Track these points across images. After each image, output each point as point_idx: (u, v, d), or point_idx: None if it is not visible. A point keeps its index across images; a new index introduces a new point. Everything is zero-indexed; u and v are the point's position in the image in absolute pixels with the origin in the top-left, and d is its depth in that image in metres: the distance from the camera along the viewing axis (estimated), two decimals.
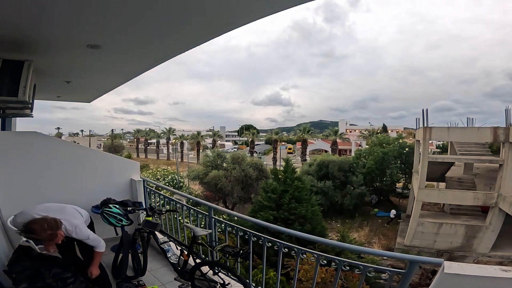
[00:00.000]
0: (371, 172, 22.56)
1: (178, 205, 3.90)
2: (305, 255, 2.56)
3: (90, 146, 34.38)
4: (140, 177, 4.34)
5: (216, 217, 3.44)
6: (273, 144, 39.42)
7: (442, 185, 19.37)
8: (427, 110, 16.40)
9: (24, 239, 2.86)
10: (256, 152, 42.55)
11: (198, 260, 3.08)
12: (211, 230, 3.26)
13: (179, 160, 40.00)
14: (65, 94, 7.03)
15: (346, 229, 16.56)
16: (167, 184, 20.98)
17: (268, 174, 21.22)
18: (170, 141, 50.67)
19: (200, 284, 2.88)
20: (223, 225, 3.30)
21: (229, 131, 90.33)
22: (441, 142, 37.57)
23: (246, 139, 50.23)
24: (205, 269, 2.91)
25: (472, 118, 19.81)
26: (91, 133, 57.28)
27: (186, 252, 3.09)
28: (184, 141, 49.57)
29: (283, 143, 54.32)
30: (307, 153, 37.46)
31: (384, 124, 66.00)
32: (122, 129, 68.48)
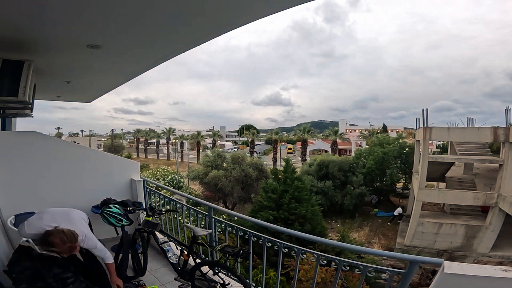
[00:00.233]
0: (371, 172, 22.55)
1: (178, 205, 3.90)
2: (305, 255, 2.56)
3: (90, 146, 34.38)
4: (140, 177, 4.34)
5: (216, 217, 3.44)
6: (273, 144, 39.42)
7: (442, 185, 19.37)
8: (427, 110, 16.42)
9: (24, 239, 2.87)
10: (256, 152, 42.55)
11: (198, 260, 3.08)
12: (211, 230, 3.26)
13: (179, 160, 40.00)
14: (65, 94, 7.03)
15: (346, 229, 16.56)
16: (167, 184, 20.97)
17: (268, 174, 21.22)
18: (170, 141, 50.67)
19: (200, 284, 2.88)
20: (223, 225, 3.30)
21: (229, 131, 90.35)
22: (441, 142, 37.57)
23: (246, 139, 50.23)
24: (205, 269, 2.91)
25: (472, 118, 19.85)
26: (91, 133, 57.33)
27: (186, 252, 3.09)
28: (184, 141, 49.57)
29: (283, 143, 54.31)
30: (307, 153, 37.46)
31: (384, 124, 66.06)
32: (122, 129, 68.55)
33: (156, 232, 3.30)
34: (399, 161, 23.01)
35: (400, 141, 25.09)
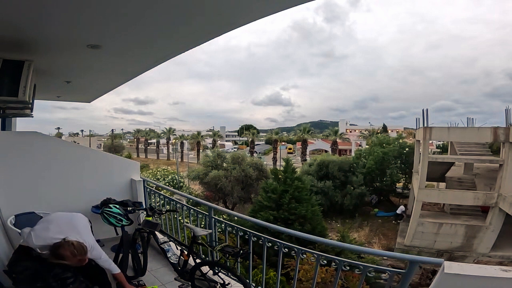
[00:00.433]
0: (371, 172, 22.55)
1: (178, 205, 3.90)
2: (305, 255, 2.56)
3: (90, 146, 34.39)
4: (140, 177, 4.34)
5: (216, 217, 3.44)
6: (273, 144, 39.41)
7: (442, 185, 19.36)
8: (427, 110, 16.41)
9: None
10: (256, 152, 42.54)
11: (198, 260, 3.08)
12: (211, 230, 3.26)
13: (179, 160, 40.00)
14: (65, 94, 7.03)
15: (346, 229, 16.55)
16: (167, 184, 20.97)
17: (268, 174, 21.21)
18: (170, 141, 50.67)
19: (200, 284, 2.88)
20: (223, 225, 3.30)
21: (229, 131, 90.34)
22: (441, 142, 37.56)
23: (246, 139, 50.22)
24: (205, 269, 2.91)
25: (472, 118, 19.84)
26: (91, 133, 57.34)
27: (186, 252, 3.09)
28: (184, 141, 49.57)
29: (283, 143, 54.31)
30: (307, 153, 37.44)
31: (384, 124, 66.05)
32: (122, 129, 68.58)
33: (156, 232, 3.30)
34: (399, 161, 23.01)
35: (400, 141, 25.09)
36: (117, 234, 3.30)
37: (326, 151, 40.16)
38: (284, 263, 7.50)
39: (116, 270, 2.59)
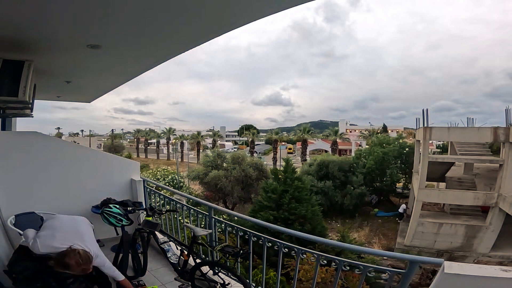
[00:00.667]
0: (371, 172, 22.56)
1: (178, 205, 3.90)
2: (305, 255, 2.56)
3: (90, 146, 34.39)
4: (140, 177, 4.34)
5: (216, 217, 3.44)
6: (273, 144, 39.41)
7: (442, 185, 19.36)
8: (427, 110, 16.41)
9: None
10: (256, 152, 42.55)
11: (198, 260, 3.08)
12: (211, 230, 3.26)
13: (179, 160, 40.00)
14: (65, 94, 7.03)
15: (346, 229, 16.56)
16: (167, 184, 20.97)
17: (268, 174, 21.22)
18: (170, 141, 50.68)
19: (200, 284, 2.89)
20: (223, 225, 3.30)
21: (229, 131, 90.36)
22: (441, 142, 37.56)
23: (246, 139, 50.21)
24: (205, 269, 2.91)
25: (472, 118, 19.82)
26: (91, 133, 57.36)
27: (186, 252, 3.09)
28: (184, 141, 49.58)
29: (283, 143, 54.32)
30: (307, 153, 37.44)
31: (384, 124, 66.04)
32: (122, 129, 68.54)
33: (156, 232, 3.30)
34: (399, 161, 23.02)
35: (400, 141, 25.09)
36: (117, 234, 3.30)
37: (326, 151, 40.16)
38: (284, 263, 7.50)
39: (121, 277, 2.56)
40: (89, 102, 8.44)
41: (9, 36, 2.92)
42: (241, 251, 2.67)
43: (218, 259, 2.85)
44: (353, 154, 32.55)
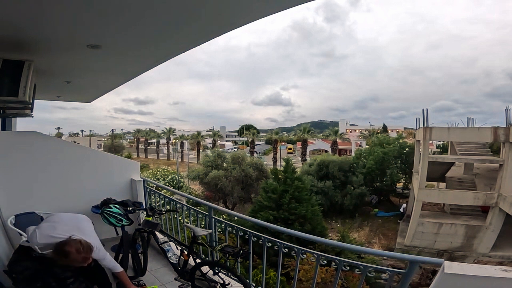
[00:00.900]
0: (371, 172, 22.55)
1: (178, 205, 3.90)
2: (305, 255, 2.56)
3: (90, 146, 34.39)
4: (140, 177, 4.34)
5: (216, 217, 3.44)
6: (273, 144, 39.41)
7: (442, 185, 19.36)
8: (427, 110, 16.40)
9: (25, 239, 2.86)
10: (256, 152, 42.55)
11: (198, 260, 3.08)
12: (211, 230, 3.26)
13: (179, 160, 40.00)
14: (65, 94, 7.03)
15: (346, 229, 16.55)
16: (167, 184, 20.97)
17: (268, 174, 21.21)
18: (170, 141, 50.68)
19: (200, 284, 2.88)
20: (223, 225, 3.30)
21: (229, 131, 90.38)
22: (441, 142, 37.56)
23: (246, 139, 50.21)
24: (205, 269, 2.91)
25: (472, 118, 19.81)
26: (91, 133, 57.41)
27: (186, 252, 3.09)
28: (184, 141, 49.59)
29: (283, 143, 54.32)
30: (307, 153, 37.45)
31: (384, 124, 66.06)
32: (122, 129, 68.58)
33: (156, 232, 3.30)
34: (399, 161, 23.02)
35: (400, 141, 25.09)
36: (117, 234, 3.30)
37: (326, 151, 40.17)
38: (284, 263, 7.50)
39: (120, 269, 2.57)
40: (89, 102, 8.45)
41: (9, 36, 2.92)
42: (241, 251, 2.67)
43: (218, 259, 2.85)
44: (353, 154, 32.55)
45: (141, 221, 3.41)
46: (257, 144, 49.61)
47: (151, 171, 25.85)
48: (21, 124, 6.84)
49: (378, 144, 24.85)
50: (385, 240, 17.74)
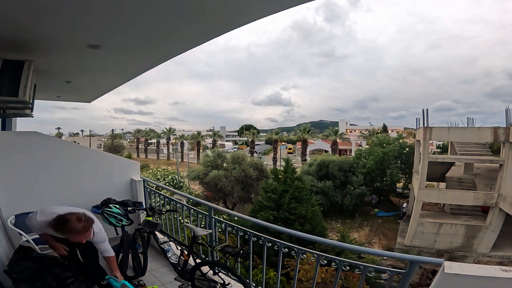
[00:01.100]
0: (371, 172, 22.55)
1: (178, 205, 3.90)
2: (305, 255, 2.56)
3: (90, 146, 34.39)
4: (140, 177, 4.34)
5: (216, 217, 3.44)
6: (273, 144, 39.41)
7: (442, 185, 19.36)
8: (427, 110, 16.41)
9: (25, 239, 2.87)
10: (256, 152, 42.55)
11: (198, 260, 3.08)
12: (211, 230, 3.26)
13: (179, 160, 40.00)
14: (65, 94, 7.03)
15: (346, 229, 16.55)
16: (167, 184, 20.97)
17: (268, 174, 21.21)
18: (170, 141, 50.68)
19: (200, 284, 2.88)
20: (223, 225, 3.30)
21: (229, 131, 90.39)
22: (441, 142, 37.57)
23: (246, 139, 50.20)
24: (205, 269, 2.91)
25: (472, 118, 19.79)
26: (91, 133, 57.44)
27: (186, 252, 3.09)
28: (184, 141, 49.59)
29: (283, 143, 54.33)
30: (307, 153, 37.43)
31: (384, 124, 66.07)
32: (122, 129, 68.67)
33: (156, 232, 3.30)
34: (399, 161, 23.01)
35: (400, 141, 25.08)
36: (117, 234, 3.30)
37: (326, 151, 40.16)
38: (284, 263, 7.50)
39: (112, 253, 2.58)
40: (89, 102, 8.44)
41: (9, 36, 2.92)
42: (241, 251, 2.67)
43: (218, 259, 2.85)
44: (353, 154, 32.54)
45: (141, 221, 3.41)
46: (257, 144, 49.60)
47: (151, 171, 25.85)
48: (21, 124, 6.85)
49: (378, 144, 24.85)
50: (385, 240, 17.74)
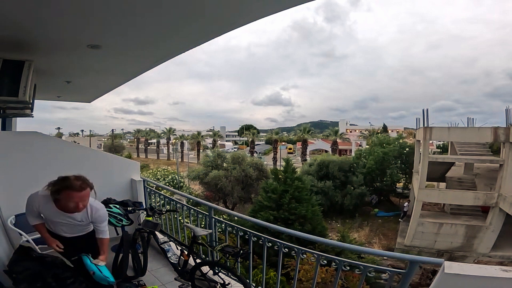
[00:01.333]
0: (371, 172, 22.55)
1: (178, 205, 3.90)
2: (305, 255, 2.56)
3: (90, 146, 34.39)
4: (140, 177, 4.34)
5: (216, 217, 3.44)
6: (273, 144, 39.41)
7: (442, 185, 19.36)
8: (427, 110, 16.41)
9: (25, 239, 2.87)
10: (256, 152, 42.55)
11: (198, 260, 3.08)
12: (211, 230, 3.26)
13: (179, 160, 40.00)
14: (65, 94, 7.04)
15: (346, 229, 16.55)
16: (167, 184, 20.97)
17: (268, 174, 21.21)
18: (170, 141, 50.69)
19: (200, 284, 2.88)
20: (223, 225, 3.30)
21: (229, 131, 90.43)
22: (441, 142, 37.57)
23: (246, 139, 50.19)
24: (205, 269, 2.91)
25: (473, 118, 19.79)
26: (91, 133, 57.47)
27: (186, 252, 3.09)
28: (184, 141, 49.60)
29: (283, 143, 54.36)
30: (307, 153, 37.44)
31: (384, 124, 66.06)
32: (122, 129, 68.77)
33: (156, 232, 3.30)
34: (399, 161, 23.02)
35: (400, 141, 25.07)
36: (117, 234, 3.30)
37: (326, 151, 40.16)
38: (284, 263, 7.50)
39: (107, 236, 2.58)
40: (89, 102, 8.45)
41: (9, 36, 2.93)
42: (241, 251, 2.67)
43: (218, 259, 2.84)
44: (353, 154, 32.53)
45: (141, 221, 3.41)
46: (257, 144, 49.61)
47: (151, 171, 25.84)
48: (21, 124, 6.85)
49: (378, 144, 24.84)
50: (385, 240, 17.74)
